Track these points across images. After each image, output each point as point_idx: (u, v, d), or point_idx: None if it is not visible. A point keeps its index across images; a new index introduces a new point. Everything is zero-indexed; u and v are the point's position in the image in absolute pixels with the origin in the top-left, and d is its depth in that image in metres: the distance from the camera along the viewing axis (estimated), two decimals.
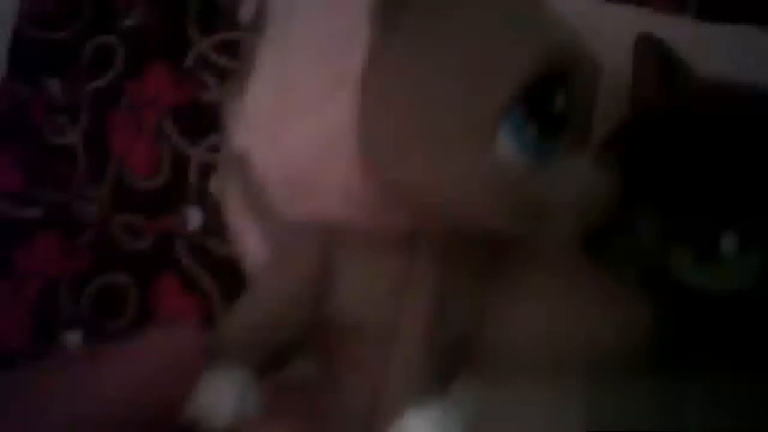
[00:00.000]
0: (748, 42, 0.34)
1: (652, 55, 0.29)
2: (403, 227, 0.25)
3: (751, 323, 0.23)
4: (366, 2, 0.21)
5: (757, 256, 0.21)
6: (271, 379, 0.23)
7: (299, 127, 0.29)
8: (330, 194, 0.29)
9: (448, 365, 0.25)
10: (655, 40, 0.30)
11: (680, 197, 0.22)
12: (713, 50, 0.33)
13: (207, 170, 0.36)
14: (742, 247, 0.21)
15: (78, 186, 0.38)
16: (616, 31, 0.32)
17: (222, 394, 0.20)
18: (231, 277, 0.34)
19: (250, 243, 0.29)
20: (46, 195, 0.39)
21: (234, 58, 0.37)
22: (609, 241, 0.24)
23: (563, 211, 0.21)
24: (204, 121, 0.37)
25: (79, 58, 0.40)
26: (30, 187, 0.39)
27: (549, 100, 0.20)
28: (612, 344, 0.29)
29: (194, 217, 0.37)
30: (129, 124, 0.38)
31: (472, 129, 0.20)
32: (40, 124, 0.39)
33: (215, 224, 0.36)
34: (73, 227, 0.38)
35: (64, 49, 0.40)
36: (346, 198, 0.27)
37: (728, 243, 0.21)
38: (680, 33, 0.33)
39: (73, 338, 0.37)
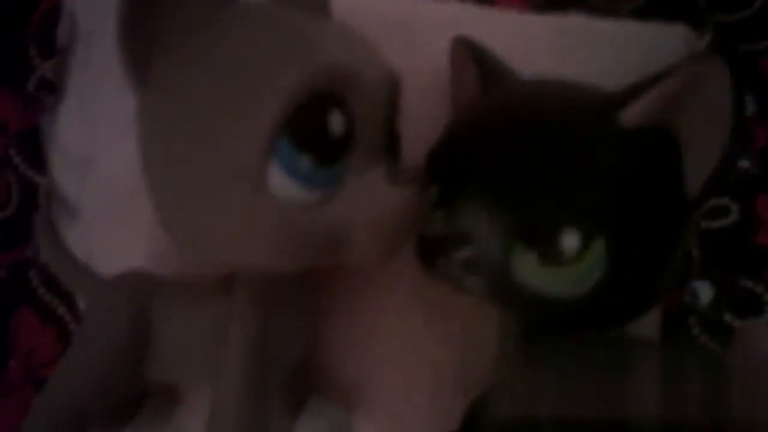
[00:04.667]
0: (577, 31, 0.34)
1: (469, 58, 0.29)
2: (217, 271, 0.24)
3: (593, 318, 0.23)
4: None
5: (601, 247, 0.20)
6: None
7: (110, 154, 0.28)
8: (141, 224, 0.28)
9: (294, 395, 0.25)
10: (470, 43, 0.29)
11: (514, 200, 0.21)
12: (540, 42, 0.33)
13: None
14: (584, 242, 0.20)
15: None
16: (435, 29, 0.32)
17: None
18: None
19: None
20: None
21: None
22: (441, 253, 0.23)
23: (363, 232, 0.20)
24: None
25: None
26: None
27: (322, 125, 0.19)
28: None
29: None
30: None
31: (238, 171, 0.18)
32: None
33: None
34: None
35: None
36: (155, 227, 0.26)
37: (570, 241, 0.20)
38: (506, 27, 0.33)
39: None
